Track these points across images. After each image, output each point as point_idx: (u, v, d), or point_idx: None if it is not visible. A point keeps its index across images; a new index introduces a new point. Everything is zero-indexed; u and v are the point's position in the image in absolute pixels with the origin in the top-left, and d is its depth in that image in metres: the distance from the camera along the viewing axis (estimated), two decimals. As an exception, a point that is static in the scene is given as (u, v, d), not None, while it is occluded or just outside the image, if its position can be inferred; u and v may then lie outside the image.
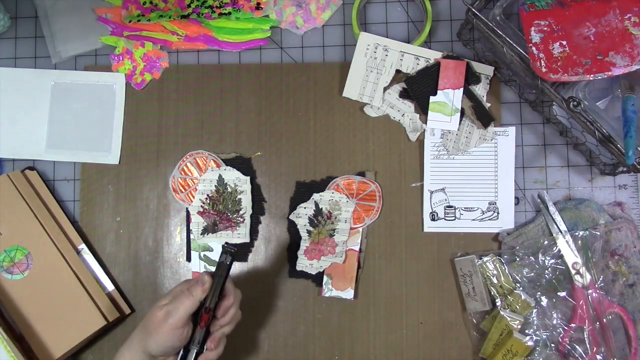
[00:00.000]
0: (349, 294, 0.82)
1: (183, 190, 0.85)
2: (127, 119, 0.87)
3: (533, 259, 0.79)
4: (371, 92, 0.84)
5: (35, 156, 0.88)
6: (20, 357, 0.74)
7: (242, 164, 0.85)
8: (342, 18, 0.87)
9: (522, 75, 0.77)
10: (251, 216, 0.84)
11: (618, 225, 0.79)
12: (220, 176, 0.85)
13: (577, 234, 0.79)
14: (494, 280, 0.79)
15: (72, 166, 0.88)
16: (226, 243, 0.69)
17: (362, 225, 0.83)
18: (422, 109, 0.83)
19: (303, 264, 0.83)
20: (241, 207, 0.84)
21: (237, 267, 0.85)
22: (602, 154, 0.80)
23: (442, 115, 0.82)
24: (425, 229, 0.83)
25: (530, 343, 0.77)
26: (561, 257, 0.79)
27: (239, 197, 0.84)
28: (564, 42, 0.69)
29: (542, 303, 0.78)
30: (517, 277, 0.79)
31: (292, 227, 0.84)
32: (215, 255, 0.84)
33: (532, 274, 0.79)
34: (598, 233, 0.78)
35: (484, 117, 0.82)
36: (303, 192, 0.84)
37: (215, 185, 0.84)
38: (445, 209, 0.83)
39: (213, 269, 0.73)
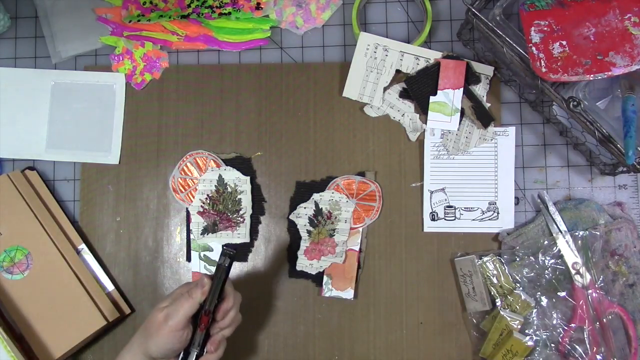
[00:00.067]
0: (349, 294, 0.82)
1: (183, 190, 0.85)
2: (127, 119, 0.87)
3: (533, 259, 0.79)
4: (371, 92, 0.84)
5: (35, 156, 0.88)
6: (20, 357, 0.74)
7: (242, 164, 0.85)
8: (342, 18, 0.87)
9: (522, 75, 0.77)
10: (251, 216, 0.84)
11: (618, 225, 0.79)
12: (220, 176, 0.85)
13: (577, 234, 0.79)
14: (494, 280, 0.79)
15: (72, 166, 0.88)
16: (225, 245, 0.69)
17: (362, 225, 0.83)
18: (422, 109, 0.83)
19: (303, 264, 0.83)
20: (241, 207, 0.84)
21: (237, 268, 0.85)
22: (602, 154, 0.80)
23: (442, 115, 0.82)
24: (425, 229, 0.83)
25: (530, 343, 0.77)
26: (561, 257, 0.79)
27: (239, 197, 0.84)
28: (564, 42, 0.69)
29: (542, 303, 0.78)
30: (517, 277, 0.79)
31: (292, 227, 0.84)
32: (215, 255, 0.84)
33: (532, 274, 0.79)
34: (598, 233, 0.78)
35: (484, 117, 0.82)
36: (303, 192, 0.84)
37: (215, 185, 0.84)
38: (445, 209, 0.83)
39: (213, 269, 0.74)
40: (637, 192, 0.82)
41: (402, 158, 0.84)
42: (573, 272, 0.78)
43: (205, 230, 0.84)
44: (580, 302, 0.77)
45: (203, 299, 0.67)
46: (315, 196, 0.83)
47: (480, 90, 0.83)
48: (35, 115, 0.88)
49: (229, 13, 0.86)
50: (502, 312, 0.77)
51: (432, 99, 0.82)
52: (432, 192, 0.83)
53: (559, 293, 0.78)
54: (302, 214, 0.84)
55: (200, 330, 0.67)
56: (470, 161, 0.83)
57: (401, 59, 0.83)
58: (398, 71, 0.84)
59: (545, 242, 0.79)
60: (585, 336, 0.77)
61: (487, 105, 0.83)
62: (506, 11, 0.77)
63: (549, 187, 0.83)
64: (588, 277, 0.77)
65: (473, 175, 0.83)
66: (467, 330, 0.81)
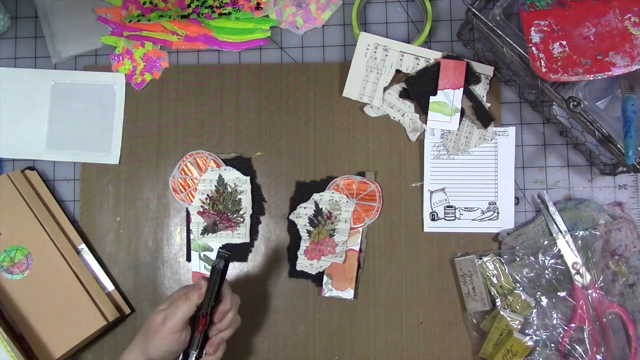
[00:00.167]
0: (349, 294, 0.82)
1: (183, 190, 0.85)
2: (127, 119, 0.87)
3: (533, 259, 0.79)
4: (371, 92, 0.84)
5: (35, 156, 0.88)
6: (20, 357, 0.74)
7: (242, 164, 0.85)
8: (342, 18, 0.87)
9: (522, 75, 0.77)
10: (251, 216, 0.84)
11: (618, 225, 0.79)
12: (220, 176, 0.85)
13: (577, 234, 0.79)
14: (494, 280, 0.79)
15: (72, 166, 0.88)
16: (222, 247, 0.69)
17: (362, 225, 0.83)
18: (422, 109, 0.83)
19: (303, 264, 0.83)
20: (241, 207, 0.84)
21: (237, 268, 0.85)
22: (602, 154, 0.80)
23: (442, 115, 0.82)
24: (425, 229, 0.83)
25: (530, 343, 0.77)
26: (561, 257, 0.79)
27: (239, 197, 0.84)
28: (564, 42, 0.69)
29: (542, 303, 0.78)
30: (517, 277, 0.79)
31: (292, 227, 0.84)
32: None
33: (532, 274, 0.79)
34: (598, 233, 0.78)
35: (484, 117, 0.82)
36: (303, 192, 0.84)
37: (215, 185, 0.84)
38: (445, 209, 0.83)
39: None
40: (637, 192, 0.82)
41: (402, 158, 0.84)
42: (573, 272, 0.78)
43: (205, 230, 0.84)
44: (580, 302, 0.77)
45: (200, 301, 0.67)
46: (315, 196, 0.83)
47: (480, 90, 0.83)
48: (35, 115, 0.88)
49: (229, 13, 0.86)
50: (502, 312, 0.77)
51: (432, 99, 0.82)
52: (432, 192, 0.83)
53: (559, 293, 0.78)
54: (302, 214, 0.84)
55: (198, 332, 0.68)
56: (470, 161, 0.83)
57: (401, 59, 0.83)
58: (398, 71, 0.84)
59: (545, 242, 0.79)
60: (585, 336, 0.77)
61: (487, 105, 0.83)
62: (506, 11, 0.77)
63: (549, 187, 0.83)
64: (588, 277, 0.77)
65: (473, 175, 0.83)
66: (467, 330, 0.81)
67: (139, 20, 0.87)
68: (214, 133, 0.86)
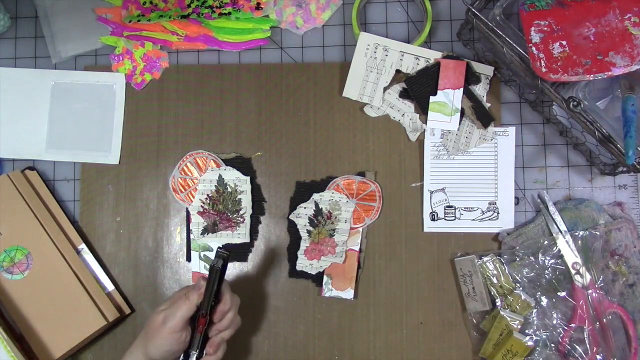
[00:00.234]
0: (349, 294, 0.82)
1: (183, 190, 0.85)
2: (127, 119, 0.87)
3: (533, 259, 0.79)
4: (371, 92, 0.84)
5: (35, 156, 0.88)
6: (20, 357, 0.74)
7: (242, 164, 0.85)
8: (342, 18, 0.87)
9: (522, 75, 0.77)
10: (251, 216, 0.84)
11: (618, 225, 0.79)
12: (220, 176, 0.85)
13: (577, 234, 0.79)
14: (494, 280, 0.79)
15: (72, 166, 0.88)
16: (221, 247, 0.69)
17: (362, 225, 0.83)
18: (422, 109, 0.83)
19: (303, 264, 0.83)
20: (241, 207, 0.84)
21: (236, 267, 0.85)
22: (602, 154, 0.80)
23: (442, 115, 0.82)
24: (425, 229, 0.83)
25: (530, 343, 0.77)
26: (561, 257, 0.79)
27: (239, 197, 0.84)
28: (564, 42, 0.69)
29: (542, 303, 0.78)
30: (517, 277, 0.79)
31: (292, 227, 0.84)
32: (215, 255, 0.84)
33: (532, 274, 0.79)
34: (598, 233, 0.78)
35: (484, 117, 0.82)
36: (303, 192, 0.84)
37: (215, 185, 0.84)
38: (445, 209, 0.83)
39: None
40: (637, 192, 0.82)
41: (402, 158, 0.84)
42: (573, 272, 0.78)
43: (205, 230, 0.84)
44: (580, 302, 0.77)
45: (200, 301, 0.67)
46: (315, 196, 0.83)
47: (480, 90, 0.83)
48: (35, 115, 0.88)
49: (229, 13, 0.86)
50: (502, 312, 0.77)
51: (432, 99, 0.82)
52: (432, 192, 0.83)
53: (559, 293, 0.78)
54: (302, 214, 0.84)
55: (198, 332, 0.68)
56: (470, 161, 0.83)
57: (401, 59, 0.83)
58: (398, 71, 0.84)
59: (545, 242, 0.79)
60: (585, 336, 0.77)
61: (487, 105, 0.83)
62: (506, 11, 0.77)
63: (549, 187, 0.83)
64: (588, 277, 0.77)
65: (473, 175, 0.83)
66: (467, 330, 0.81)
67: (139, 20, 0.87)
68: (214, 133, 0.86)
